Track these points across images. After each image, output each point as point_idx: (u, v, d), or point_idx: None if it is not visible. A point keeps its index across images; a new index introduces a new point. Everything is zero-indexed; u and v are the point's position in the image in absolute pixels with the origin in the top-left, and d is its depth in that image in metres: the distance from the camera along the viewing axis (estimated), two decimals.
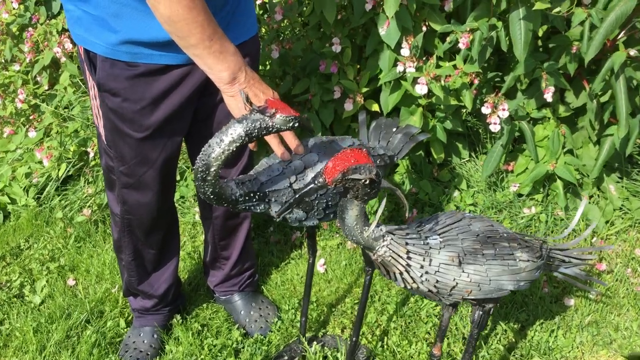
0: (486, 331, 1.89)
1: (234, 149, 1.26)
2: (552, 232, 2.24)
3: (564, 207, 2.23)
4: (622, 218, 2.26)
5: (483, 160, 2.43)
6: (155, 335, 1.93)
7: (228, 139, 1.25)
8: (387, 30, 2.04)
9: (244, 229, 1.91)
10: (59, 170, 2.63)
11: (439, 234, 1.17)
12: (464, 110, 2.43)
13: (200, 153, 1.28)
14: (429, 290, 1.15)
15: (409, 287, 1.15)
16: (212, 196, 1.33)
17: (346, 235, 1.11)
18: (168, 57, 1.44)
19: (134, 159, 1.59)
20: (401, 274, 1.13)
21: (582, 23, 1.89)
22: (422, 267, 1.12)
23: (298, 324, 1.97)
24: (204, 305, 2.11)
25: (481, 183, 2.35)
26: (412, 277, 1.13)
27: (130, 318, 2.07)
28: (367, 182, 0.99)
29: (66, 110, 2.87)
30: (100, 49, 1.44)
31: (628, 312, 1.95)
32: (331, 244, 2.32)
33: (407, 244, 1.11)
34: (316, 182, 1.00)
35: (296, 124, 1.30)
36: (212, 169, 1.28)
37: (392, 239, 1.10)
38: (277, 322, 1.97)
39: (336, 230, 2.38)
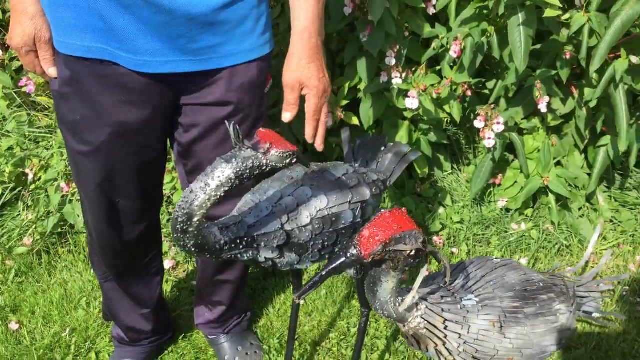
0: None
1: (222, 194, 1.04)
2: (543, 248, 2.11)
3: (557, 222, 2.10)
4: (614, 231, 2.16)
5: (466, 172, 2.28)
6: None
7: (215, 183, 1.03)
8: (368, 36, 1.84)
9: (235, 281, 1.69)
10: None
11: (473, 292, 0.99)
12: (445, 120, 2.27)
13: (181, 200, 1.05)
14: None
15: (442, 359, 0.96)
16: (193, 249, 1.11)
17: (376, 310, 0.91)
18: (103, 52, 1.19)
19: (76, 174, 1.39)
20: (436, 346, 0.94)
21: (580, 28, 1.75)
22: (460, 336, 0.94)
23: None
24: (170, 348, 1.87)
25: (467, 198, 2.19)
26: (448, 350, 0.94)
27: None
28: (413, 252, 0.80)
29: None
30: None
31: (635, 342, 1.82)
32: (308, 269, 2.12)
33: (443, 310, 0.93)
34: (348, 254, 0.79)
35: (293, 161, 1.09)
36: (195, 219, 1.05)
37: (426, 307, 0.91)
38: None
39: None
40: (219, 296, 1.72)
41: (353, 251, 0.79)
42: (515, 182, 2.12)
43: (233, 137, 1.01)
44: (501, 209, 2.16)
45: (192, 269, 2.19)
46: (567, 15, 1.64)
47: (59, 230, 2.27)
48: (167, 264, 2.17)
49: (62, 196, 2.28)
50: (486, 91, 2.21)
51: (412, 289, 0.87)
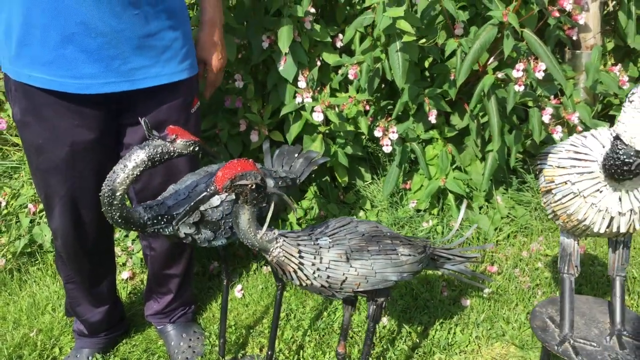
0: (393, 335, 2.04)
1: (138, 174, 1.37)
2: (449, 241, 2.45)
3: (457, 218, 2.44)
4: (509, 225, 2.50)
5: (384, 182, 2.63)
6: (92, 358, 1.97)
7: (131, 164, 1.36)
8: (284, 65, 2.21)
9: (180, 274, 2.00)
10: None
11: (328, 236, 1.32)
12: (364, 137, 2.63)
13: (106, 179, 1.38)
14: (322, 286, 1.29)
15: (304, 284, 1.28)
16: (119, 220, 1.43)
17: (242, 239, 1.23)
18: (52, 82, 1.50)
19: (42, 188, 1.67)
20: (295, 272, 1.26)
21: (455, 52, 2.14)
22: (313, 264, 1.26)
23: (217, 348, 2.05)
24: (124, 340, 2.15)
25: (384, 202, 2.54)
26: (305, 275, 1.26)
27: (49, 359, 2.09)
28: (254, 187, 1.13)
29: None
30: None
31: (517, 306, 2.16)
32: (248, 269, 2.43)
33: (298, 244, 1.25)
34: (208, 190, 1.13)
35: (197, 148, 1.43)
36: (118, 194, 1.37)
37: (284, 240, 1.24)
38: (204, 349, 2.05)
39: (253, 257, 2.48)
40: (166, 287, 2.03)
41: (211, 187, 1.12)
42: (422, 185, 2.47)
43: (145, 130, 1.35)
44: (413, 210, 2.50)
45: (147, 277, 2.48)
46: (423, 40, 2.04)
47: (29, 249, 2.57)
48: (125, 274, 2.47)
49: (31, 220, 2.58)
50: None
51: (266, 222, 1.20)
